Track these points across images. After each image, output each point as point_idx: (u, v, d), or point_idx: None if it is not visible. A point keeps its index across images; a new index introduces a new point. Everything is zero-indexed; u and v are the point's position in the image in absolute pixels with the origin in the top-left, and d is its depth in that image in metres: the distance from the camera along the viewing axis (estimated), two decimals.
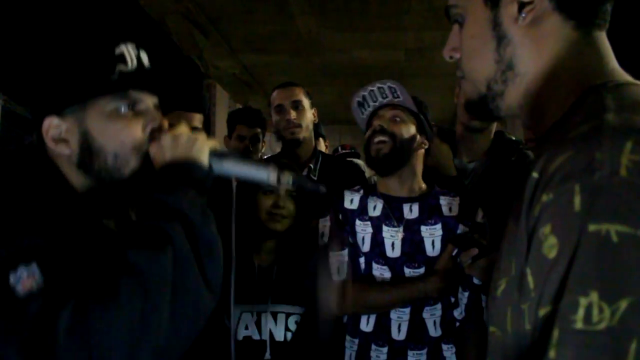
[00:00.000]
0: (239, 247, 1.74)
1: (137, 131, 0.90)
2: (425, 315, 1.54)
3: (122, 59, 0.90)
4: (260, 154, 2.54)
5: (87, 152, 0.89)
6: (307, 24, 4.16)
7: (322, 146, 3.47)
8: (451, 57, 0.76)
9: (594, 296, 0.47)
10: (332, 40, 4.45)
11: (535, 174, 0.56)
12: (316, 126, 3.43)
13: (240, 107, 4.24)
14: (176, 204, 0.81)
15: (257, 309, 1.64)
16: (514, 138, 2.01)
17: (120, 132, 0.89)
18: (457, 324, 1.57)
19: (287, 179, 0.92)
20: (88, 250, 0.79)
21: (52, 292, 0.71)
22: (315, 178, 2.15)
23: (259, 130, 2.47)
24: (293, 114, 2.13)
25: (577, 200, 0.50)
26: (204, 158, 0.90)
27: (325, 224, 1.64)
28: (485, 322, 1.50)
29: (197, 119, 1.95)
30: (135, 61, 0.91)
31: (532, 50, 0.67)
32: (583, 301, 0.47)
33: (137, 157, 0.90)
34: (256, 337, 1.62)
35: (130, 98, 0.90)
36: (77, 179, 0.90)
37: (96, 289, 0.72)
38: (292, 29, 4.22)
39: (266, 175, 0.92)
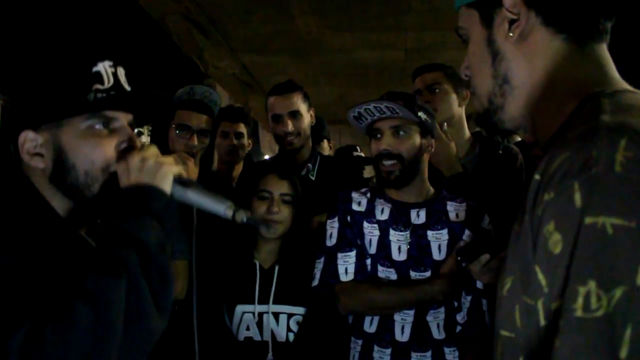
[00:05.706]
0: (239, 248, 1.75)
1: (108, 150, 0.90)
2: (429, 318, 1.55)
3: (98, 77, 0.90)
4: (247, 150, 2.52)
5: (60, 167, 0.89)
6: (307, 24, 4.15)
7: (325, 148, 3.45)
8: (466, 75, 0.81)
9: (592, 285, 0.50)
10: (332, 40, 4.44)
11: (537, 176, 0.59)
12: (320, 128, 3.40)
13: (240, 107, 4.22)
14: (133, 231, 0.83)
15: (259, 310, 1.64)
16: (484, 134, 2.07)
17: (92, 151, 0.89)
18: (460, 327, 1.57)
19: (241, 217, 0.94)
20: (55, 268, 0.80)
21: (8, 313, 0.70)
22: (314, 178, 2.14)
23: (242, 125, 2.44)
24: (290, 126, 2.07)
25: (577, 197, 0.53)
26: (167, 186, 0.90)
27: (333, 225, 1.64)
28: (486, 325, 1.51)
29: (205, 121, 1.99)
30: (112, 79, 0.91)
31: (525, 64, 0.71)
32: (582, 290, 0.50)
33: (105, 175, 0.91)
34: (257, 338, 1.62)
35: (105, 117, 0.90)
36: (49, 192, 0.90)
37: (53, 313, 0.72)
38: (292, 29, 4.21)
39: (223, 210, 0.94)
